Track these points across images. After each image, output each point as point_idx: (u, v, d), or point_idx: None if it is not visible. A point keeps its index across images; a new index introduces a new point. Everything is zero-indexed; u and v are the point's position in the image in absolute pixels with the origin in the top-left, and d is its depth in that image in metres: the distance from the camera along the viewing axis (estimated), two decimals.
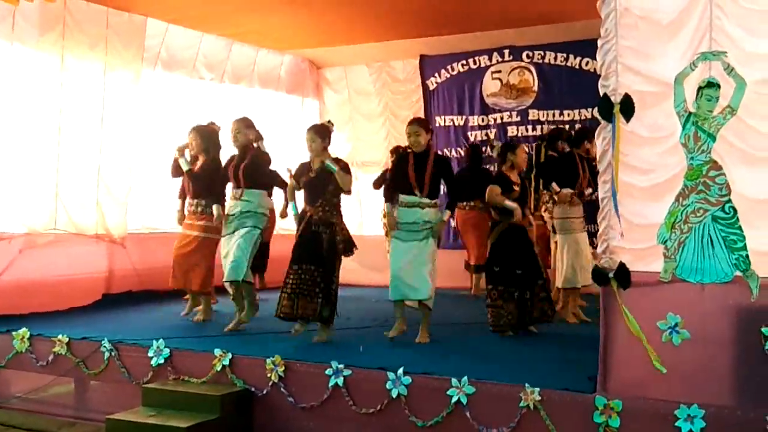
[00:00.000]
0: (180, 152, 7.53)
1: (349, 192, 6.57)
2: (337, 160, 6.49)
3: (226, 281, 6.98)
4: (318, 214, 6.42)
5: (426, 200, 6.53)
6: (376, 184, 9.72)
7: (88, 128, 8.38)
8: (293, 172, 6.68)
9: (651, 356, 4.35)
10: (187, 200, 7.60)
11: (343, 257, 6.54)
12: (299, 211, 6.62)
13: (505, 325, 6.66)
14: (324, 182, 6.43)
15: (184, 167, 7.42)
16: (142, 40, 8.95)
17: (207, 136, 7.46)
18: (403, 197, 6.58)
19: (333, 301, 6.41)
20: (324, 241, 6.37)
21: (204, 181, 7.37)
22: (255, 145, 7.24)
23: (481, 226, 9.34)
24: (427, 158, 6.56)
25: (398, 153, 7.14)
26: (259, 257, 7.75)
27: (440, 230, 6.65)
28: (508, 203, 6.68)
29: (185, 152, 7.53)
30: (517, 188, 6.80)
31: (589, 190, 7.33)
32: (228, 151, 7.42)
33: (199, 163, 7.44)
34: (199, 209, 7.46)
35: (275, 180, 7.65)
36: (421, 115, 10.93)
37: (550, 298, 6.92)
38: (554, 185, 7.29)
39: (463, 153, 10.37)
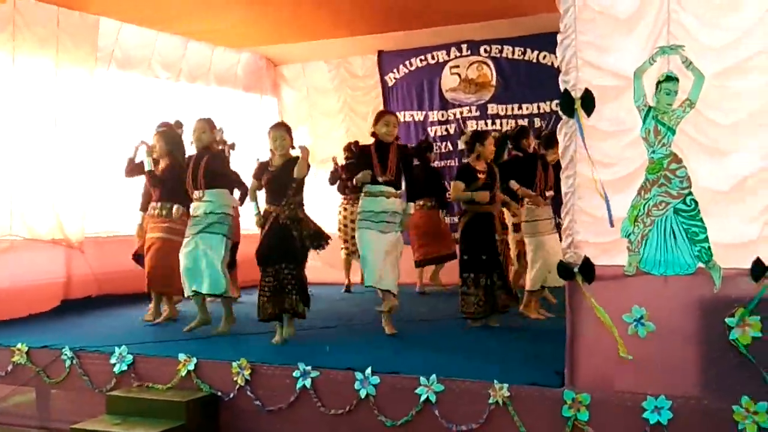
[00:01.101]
0: (149, 152, 7.46)
1: (303, 174, 6.41)
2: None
3: (205, 294, 6.86)
4: (284, 213, 6.34)
5: (390, 189, 6.57)
6: (332, 181, 9.72)
7: (41, 130, 8.21)
8: (253, 173, 6.61)
9: (619, 345, 4.37)
10: (151, 204, 7.53)
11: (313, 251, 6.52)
12: (261, 211, 6.55)
13: (475, 313, 6.71)
14: (286, 181, 6.36)
15: (148, 167, 7.35)
16: (95, 40, 8.79)
17: (171, 139, 7.40)
18: (367, 187, 6.63)
19: (307, 296, 6.41)
20: (294, 238, 6.31)
21: (168, 184, 7.31)
22: (221, 147, 7.13)
23: (431, 222, 9.38)
24: (389, 148, 6.62)
25: (357, 148, 7.09)
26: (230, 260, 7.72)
27: (407, 222, 6.81)
28: (473, 193, 6.71)
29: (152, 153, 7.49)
30: (482, 176, 6.82)
31: (550, 193, 7.32)
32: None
33: (162, 165, 7.36)
34: (164, 212, 7.43)
35: (234, 180, 7.56)
36: None
37: (508, 288, 6.96)
38: (512, 183, 7.28)
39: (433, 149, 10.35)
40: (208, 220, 6.83)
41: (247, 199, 6.87)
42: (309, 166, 6.41)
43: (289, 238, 6.32)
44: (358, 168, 6.77)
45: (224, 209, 6.94)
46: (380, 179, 6.56)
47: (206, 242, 6.80)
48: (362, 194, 6.74)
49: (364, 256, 6.62)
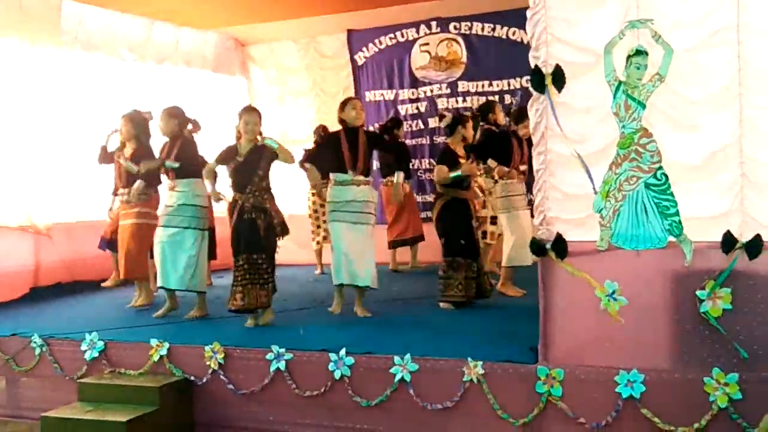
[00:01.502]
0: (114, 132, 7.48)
1: (293, 161, 6.44)
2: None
3: (173, 288, 6.86)
4: (249, 201, 6.25)
5: (361, 177, 6.53)
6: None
7: (6, 115, 8.05)
8: (217, 156, 6.48)
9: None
10: (120, 190, 7.46)
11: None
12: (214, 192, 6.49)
13: (454, 296, 6.67)
14: (253, 167, 6.27)
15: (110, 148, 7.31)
16: (58, 22, 8.62)
17: (138, 122, 7.32)
18: (336, 176, 6.56)
19: (274, 286, 6.38)
20: (260, 228, 6.24)
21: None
22: (185, 132, 7.04)
23: (406, 202, 9.34)
24: (357, 135, 6.55)
25: (326, 132, 7.02)
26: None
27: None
28: (462, 169, 6.66)
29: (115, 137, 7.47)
30: (462, 161, 6.79)
31: (524, 167, 7.31)
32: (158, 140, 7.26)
33: (129, 151, 7.27)
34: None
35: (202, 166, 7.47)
36: (351, 90, 10.86)
37: (486, 273, 6.97)
38: (491, 161, 7.24)
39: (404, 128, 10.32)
40: (181, 213, 6.80)
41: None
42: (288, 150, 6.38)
43: (255, 228, 6.24)
44: (324, 155, 6.67)
45: (197, 200, 6.87)
46: (350, 170, 6.51)
47: (178, 237, 6.79)
48: (331, 183, 6.67)
49: (334, 252, 6.56)
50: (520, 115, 7.37)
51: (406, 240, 9.43)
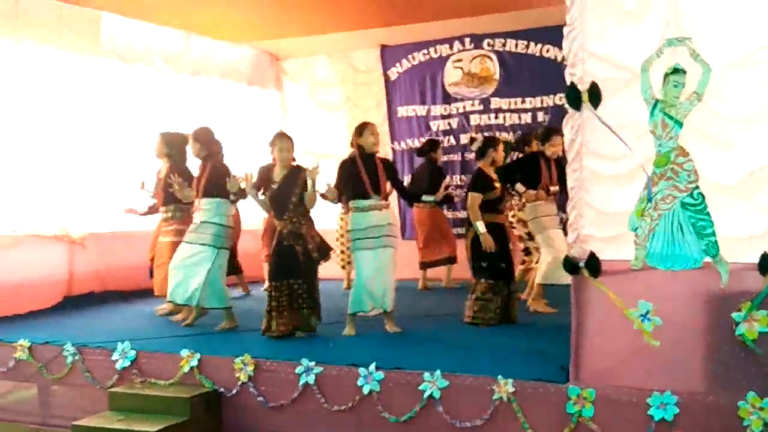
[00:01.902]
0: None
1: (312, 205, 6.48)
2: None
3: (209, 307, 6.95)
4: (287, 228, 6.36)
5: (381, 201, 6.55)
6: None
7: (45, 125, 8.16)
8: (253, 179, 6.53)
9: (644, 333, 4.33)
10: (161, 208, 7.67)
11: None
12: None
13: (491, 319, 6.63)
14: (288, 193, 6.36)
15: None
16: (98, 34, 8.74)
17: (170, 140, 7.41)
18: (356, 203, 6.55)
19: (319, 308, 6.44)
20: (299, 254, 6.31)
21: (171, 187, 7.33)
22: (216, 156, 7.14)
23: (435, 222, 9.34)
24: (374, 160, 6.56)
25: (342, 162, 6.89)
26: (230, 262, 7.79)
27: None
28: (480, 228, 6.63)
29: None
30: (498, 185, 6.78)
31: (555, 188, 7.27)
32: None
33: (163, 170, 7.38)
34: (170, 215, 7.56)
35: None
36: (384, 105, 10.88)
37: (517, 299, 6.93)
38: (519, 186, 7.21)
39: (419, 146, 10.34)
40: (202, 230, 6.89)
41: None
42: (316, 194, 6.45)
43: (293, 255, 6.32)
44: (345, 183, 6.60)
45: (220, 219, 6.94)
46: (373, 195, 6.48)
47: (201, 254, 6.86)
48: (351, 210, 6.61)
49: (356, 280, 6.54)
50: (547, 134, 7.34)
51: (439, 261, 9.39)
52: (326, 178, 6.56)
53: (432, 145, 9.54)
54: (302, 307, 6.31)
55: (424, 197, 8.98)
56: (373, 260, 6.42)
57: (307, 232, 6.40)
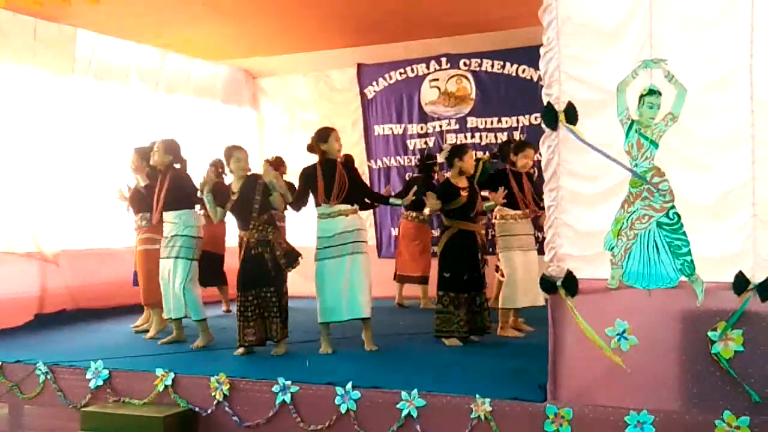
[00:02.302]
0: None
1: (283, 202, 6.48)
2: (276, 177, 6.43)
3: (192, 319, 6.92)
4: (254, 237, 6.36)
5: (347, 206, 6.49)
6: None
7: (17, 142, 8.10)
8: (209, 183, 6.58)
9: (612, 357, 4.36)
10: (136, 216, 7.64)
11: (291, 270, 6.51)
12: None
13: (453, 332, 6.59)
14: (249, 201, 6.36)
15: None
16: (73, 51, 8.72)
17: (145, 156, 7.38)
18: (320, 209, 6.50)
19: (286, 317, 6.43)
20: (267, 261, 6.32)
21: (139, 195, 7.42)
22: (176, 166, 7.15)
23: (420, 238, 9.35)
24: (335, 166, 6.51)
25: (304, 168, 6.85)
26: (215, 273, 7.70)
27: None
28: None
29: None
30: (464, 193, 6.70)
31: (528, 209, 7.22)
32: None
33: (141, 184, 7.38)
34: (141, 223, 7.53)
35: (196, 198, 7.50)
36: (360, 124, 10.91)
37: (488, 309, 6.85)
38: (491, 195, 7.14)
39: (412, 162, 10.36)
40: (172, 244, 6.90)
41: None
42: (286, 195, 6.44)
43: (262, 262, 6.32)
44: (305, 189, 6.57)
45: (187, 231, 6.93)
46: (324, 202, 6.43)
47: (170, 266, 6.89)
48: (318, 217, 6.55)
49: (322, 290, 6.45)
50: (519, 145, 7.37)
51: (413, 278, 9.38)
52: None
53: (432, 159, 9.52)
54: (274, 315, 6.30)
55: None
56: (342, 267, 6.37)
57: (275, 239, 6.40)
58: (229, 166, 6.55)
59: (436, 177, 9.42)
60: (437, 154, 9.84)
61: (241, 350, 6.35)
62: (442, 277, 6.74)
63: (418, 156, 10.25)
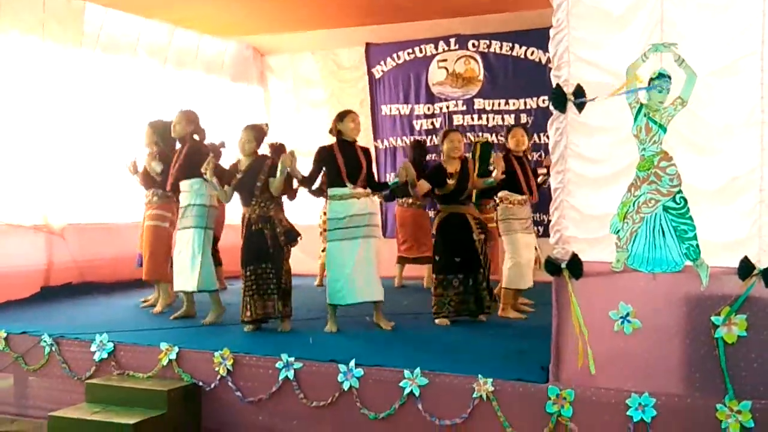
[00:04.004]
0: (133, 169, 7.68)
1: (276, 193, 6.46)
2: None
3: (197, 290, 6.90)
4: (255, 213, 6.39)
5: (361, 190, 6.47)
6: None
7: (25, 115, 8.10)
8: (213, 164, 6.58)
9: (587, 355, 4.41)
10: (144, 193, 7.64)
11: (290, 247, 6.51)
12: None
13: (447, 313, 6.65)
14: (253, 180, 6.39)
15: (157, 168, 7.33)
16: (81, 25, 8.70)
17: (157, 129, 7.42)
18: (334, 190, 6.47)
19: (288, 294, 6.43)
20: (267, 238, 6.34)
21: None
22: (195, 137, 7.13)
23: (418, 222, 9.34)
24: (354, 148, 6.51)
25: (320, 148, 6.83)
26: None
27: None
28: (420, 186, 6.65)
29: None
30: (451, 181, 6.69)
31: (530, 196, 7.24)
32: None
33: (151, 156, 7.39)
34: (151, 199, 7.54)
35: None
36: (368, 103, 10.88)
37: (489, 289, 6.86)
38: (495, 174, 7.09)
39: (408, 145, 10.32)
40: (187, 213, 6.90)
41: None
42: (289, 183, 6.47)
43: (261, 239, 6.35)
44: (319, 170, 6.56)
45: (202, 199, 6.92)
46: (349, 185, 6.40)
47: (186, 238, 6.88)
48: (328, 198, 6.52)
49: (333, 271, 6.45)
50: (510, 128, 7.37)
51: (419, 259, 9.39)
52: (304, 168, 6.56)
53: (420, 148, 9.53)
54: (272, 293, 6.32)
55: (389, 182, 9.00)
56: (354, 250, 6.36)
57: (275, 215, 6.42)
58: (239, 142, 6.54)
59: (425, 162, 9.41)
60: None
61: (248, 326, 6.38)
62: (434, 260, 6.83)
63: (409, 142, 10.22)
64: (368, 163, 6.57)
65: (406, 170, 6.50)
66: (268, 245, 6.34)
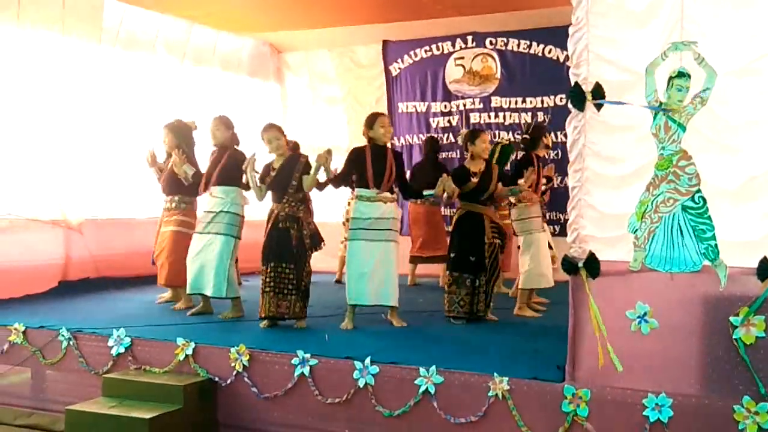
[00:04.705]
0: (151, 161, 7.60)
1: (310, 188, 6.51)
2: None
3: (212, 296, 6.92)
4: (284, 211, 6.40)
5: (387, 194, 6.52)
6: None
7: (45, 110, 8.15)
8: (257, 175, 6.60)
9: (610, 352, 4.40)
10: (164, 198, 7.61)
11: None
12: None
13: (458, 312, 6.65)
14: (288, 178, 6.41)
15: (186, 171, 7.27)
16: (100, 21, 8.74)
17: (178, 132, 7.40)
18: (362, 191, 6.51)
19: (305, 296, 6.45)
20: (292, 238, 6.35)
21: (176, 177, 7.31)
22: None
23: (432, 220, 9.33)
24: (384, 152, 6.52)
25: (353, 149, 6.85)
26: None
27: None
28: (431, 191, 6.61)
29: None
30: (474, 179, 6.71)
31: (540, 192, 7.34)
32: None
33: (172, 160, 7.36)
34: (173, 205, 7.50)
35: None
36: (384, 101, 10.89)
37: (488, 294, 6.83)
38: (521, 182, 7.08)
39: (421, 143, 10.32)
40: (217, 219, 6.86)
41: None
42: (320, 180, 6.52)
43: (286, 238, 6.36)
44: (350, 171, 6.61)
45: (235, 208, 6.92)
46: (374, 188, 6.42)
47: (211, 242, 6.85)
48: (355, 198, 6.58)
49: (353, 270, 6.46)
50: (534, 138, 7.34)
51: (433, 258, 9.38)
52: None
53: (437, 143, 9.54)
54: (289, 292, 6.32)
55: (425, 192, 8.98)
56: (375, 252, 6.39)
57: (304, 217, 6.44)
58: (267, 144, 6.55)
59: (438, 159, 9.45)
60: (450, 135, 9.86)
61: (263, 323, 6.40)
62: (449, 257, 6.84)
63: (423, 138, 10.21)
64: (399, 168, 6.60)
65: (445, 185, 6.49)
66: (292, 245, 6.35)
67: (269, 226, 6.46)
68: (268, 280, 6.35)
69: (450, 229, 7.04)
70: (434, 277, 9.63)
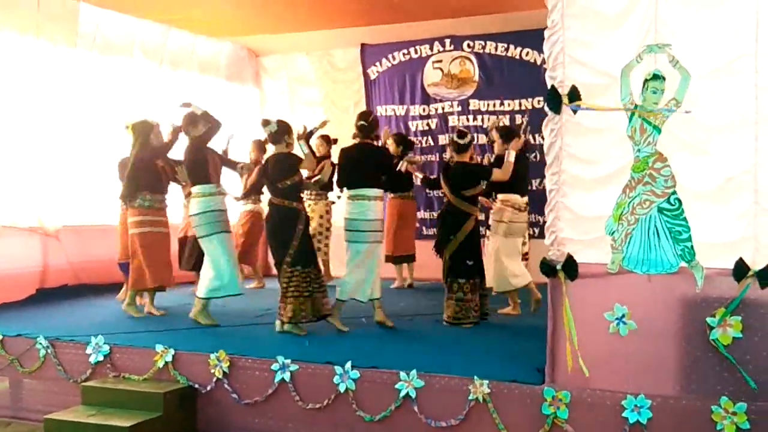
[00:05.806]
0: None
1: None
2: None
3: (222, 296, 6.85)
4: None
5: (376, 191, 6.51)
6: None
7: (19, 116, 8.07)
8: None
9: (578, 357, 4.43)
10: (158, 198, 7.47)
11: None
12: None
13: (473, 318, 6.61)
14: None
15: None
16: (76, 25, 8.67)
17: (140, 130, 7.30)
18: (353, 191, 6.52)
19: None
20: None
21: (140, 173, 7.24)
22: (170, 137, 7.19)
23: (405, 215, 9.29)
24: (372, 150, 6.52)
25: (342, 148, 6.88)
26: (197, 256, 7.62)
27: None
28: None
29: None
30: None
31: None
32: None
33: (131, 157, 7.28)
34: (145, 204, 7.31)
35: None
36: (363, 104, 10.87)
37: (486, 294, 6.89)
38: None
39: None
40: (198, 221, 6.78)
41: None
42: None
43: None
44: (342, 167, 6.66)
45: (210, 207, 6.78)
46: (367, 185, 6.48)
47: (206, 245, 6.79)
48: (349, 198, 6.57)
49: (356, 270, 6.50)
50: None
51: (404, 257, 9.35)
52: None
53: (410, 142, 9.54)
54: (318, 291, 6.32)
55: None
56: (359, 252, 6.47)
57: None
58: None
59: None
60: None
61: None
62: (465, 265, 6.65)
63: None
64: (389, 164, 6.75)
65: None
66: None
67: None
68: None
69: (459, 235, 6.77)
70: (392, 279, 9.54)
